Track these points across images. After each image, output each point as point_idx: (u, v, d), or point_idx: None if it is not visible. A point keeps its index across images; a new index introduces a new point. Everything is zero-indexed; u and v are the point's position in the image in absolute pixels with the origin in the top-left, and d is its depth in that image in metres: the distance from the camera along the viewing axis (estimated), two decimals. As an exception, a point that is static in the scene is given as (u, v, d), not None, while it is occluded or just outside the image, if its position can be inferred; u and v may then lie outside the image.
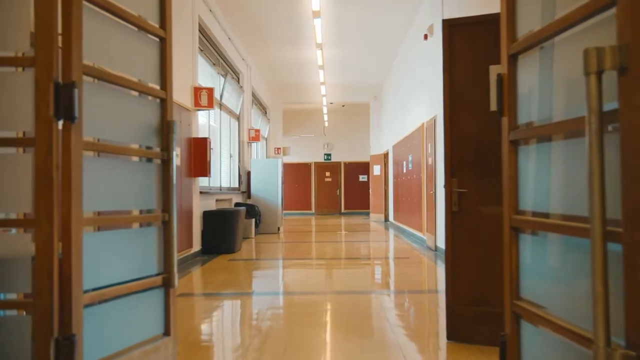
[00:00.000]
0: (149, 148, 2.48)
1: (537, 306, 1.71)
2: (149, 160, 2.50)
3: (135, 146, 2.42)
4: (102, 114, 2.13)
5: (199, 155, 7.03)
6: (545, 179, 1.68)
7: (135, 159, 2.46)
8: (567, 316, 1.53)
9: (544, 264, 1.72)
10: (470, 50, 3.14)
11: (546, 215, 1.66)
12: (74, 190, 1.89)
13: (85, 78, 2.00)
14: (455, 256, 3.12)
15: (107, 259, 2.18)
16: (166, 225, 2.50)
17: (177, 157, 6.35)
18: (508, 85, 1.85)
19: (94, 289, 2.04)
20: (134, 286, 2.30)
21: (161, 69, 2.53)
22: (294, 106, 18.86)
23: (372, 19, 9.71)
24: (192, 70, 7.10)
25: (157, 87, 2.50)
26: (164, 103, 2.52)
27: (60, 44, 1.88)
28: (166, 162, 2.50)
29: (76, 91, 1.88)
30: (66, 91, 1.87)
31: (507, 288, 1.85)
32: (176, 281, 2.50)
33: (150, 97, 2.47)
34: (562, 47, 1.55)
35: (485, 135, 3.08)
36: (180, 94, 6.59)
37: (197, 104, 7.06)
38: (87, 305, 1.99)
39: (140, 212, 2.53)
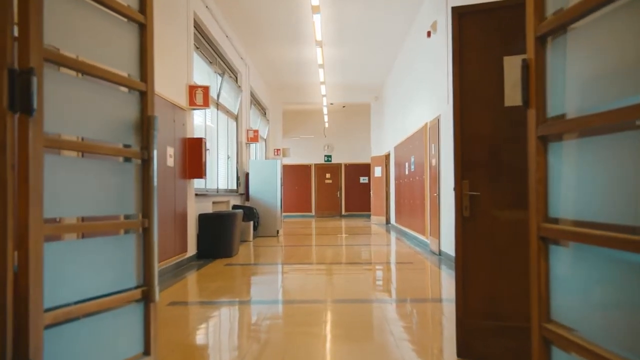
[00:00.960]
0: (127, 146, 2.22)
1: (572, 331, 1.46)
2: (127, 160, 2.25)
3: (110, 144, 2.16)
4: (69, 107, 1.88)
5: (194, 156, 6.77)
6: (585, 181, 1.42)
7: (111, 158, 2.20)
8: (612, 345, 1.27)
9: (583, 281, 1.46)
10: (482, 40, 2.88)
11: (585, 224, 1.40)
12: (33, 193, 1.63)
13: (49, 66, 1.75)
14: (467, 265, 2.86)
15: (75, 271, 1.92)
16: (146, 232, 2.24)
17: (171, 158, 6.08)
18: (535, 72, 1.59)
19: (58, 307, 1.79)
20: (108, 302, 2.05)
21: (141, 58, 2.27)
22: (294, 107, 18.62)
23: (373, 17, 9.46)
24: (187, 68, 6.85)
25: (137, 78, 2.25)
26: (144, 96, 2.27)
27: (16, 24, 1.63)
28: (147, 162, 2.24)
29: (35, 79, 1.62)
30: (23, 79, 1.61)
31: (534, 308, 1.59)
32: (157, 295, 2.24)
33: (128, 90, 2.22)
34: (608, 21, 1.29)
35: (499, 133, 2.83)
36: (175, 92, 6.34)
37: (192, 103, 6.81)
38: (49, 326, 1.73)
39: (122, 217, 2.28)
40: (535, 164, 1.59)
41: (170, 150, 6.03)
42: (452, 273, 6.03)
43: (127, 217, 2.23)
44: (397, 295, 4.95)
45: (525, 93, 1.63)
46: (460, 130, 2.91)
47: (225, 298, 4.83)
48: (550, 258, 1.55)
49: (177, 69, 6.46)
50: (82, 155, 2.23)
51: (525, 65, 1.62)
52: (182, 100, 6.61)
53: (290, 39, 10.80)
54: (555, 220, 1.53)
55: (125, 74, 2.18)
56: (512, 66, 2.78)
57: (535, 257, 1.58)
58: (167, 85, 6.05)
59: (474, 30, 2.92)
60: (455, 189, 2.92)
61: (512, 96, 2.78)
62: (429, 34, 8.06)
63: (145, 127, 2.24)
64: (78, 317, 1.88)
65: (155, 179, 2.25)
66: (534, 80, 1.60)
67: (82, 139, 2.00)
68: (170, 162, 6.04)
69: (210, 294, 5.02)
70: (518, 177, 2.76)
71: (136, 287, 2.20)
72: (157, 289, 2.24)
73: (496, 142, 2.83)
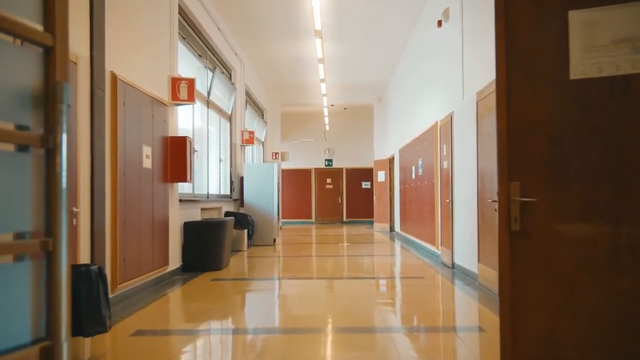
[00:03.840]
0: (21, 128, 1.47)
1: None
2: (23, 149, 1.49)
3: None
4: None
5: (177, 157, 6.01)
6: None
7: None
8: None
9: None
10: (538, -9, 2.13)
11: None
12: None
13: None
14: (517, 299, 2.09)
15: None
16: (51, 258, 1.49)
17: (148, 159, 5.32)
18: None
19: None
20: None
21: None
22: (293, 108, 17.89)
23: (375, 10, 8.72)
24: (170, 58, 6.10)
25: (38, 27, 1.50)
26: (51, 54, 1.52)
27: None
28: (52, 153, 1.49)
29: None
30: None
31: None
32: (65, 354, 1.48)
33: (21, 43, 1.47)
34: None
35: (562, 116, 2.07)
36: (154, 85, 5.59)
37: (175, 97, 6.06)
38: None
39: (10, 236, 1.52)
40: None
41: (147, 150, 5.28)
42: (470, 290, 5.25)
43: (19, 235, 1.47)
44: (411, 322, 4.17)
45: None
46: (506, 115, 2.15)
47: (205, 325, 4.06)
48: None
49: (157, 58, 5.72)
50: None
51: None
52: (163, 93, 5.86)
53: (289, 34, 10.08)
54: None
55: (15, 18, 1.42)
56: (581, 24, 2.02)
57: None
58: (144, 75, 5.30)
59: (522, -18, 2.17)
60: (499, 193, 2.15)
61: (582, 65, 2.02)
62: (439, 23, 7.33)
63: (49, 99, 1.49)
64: None
65: (65, 178, 1.49)
66: None
67: None
68: (147, 163, 5.28)
69: (188, 319, 4.25)
70: (594, 176, 2.00)
71: (33, 343, 1.45)
72: (65, 345, 1.48)
73: (559, 129, 2.07)
